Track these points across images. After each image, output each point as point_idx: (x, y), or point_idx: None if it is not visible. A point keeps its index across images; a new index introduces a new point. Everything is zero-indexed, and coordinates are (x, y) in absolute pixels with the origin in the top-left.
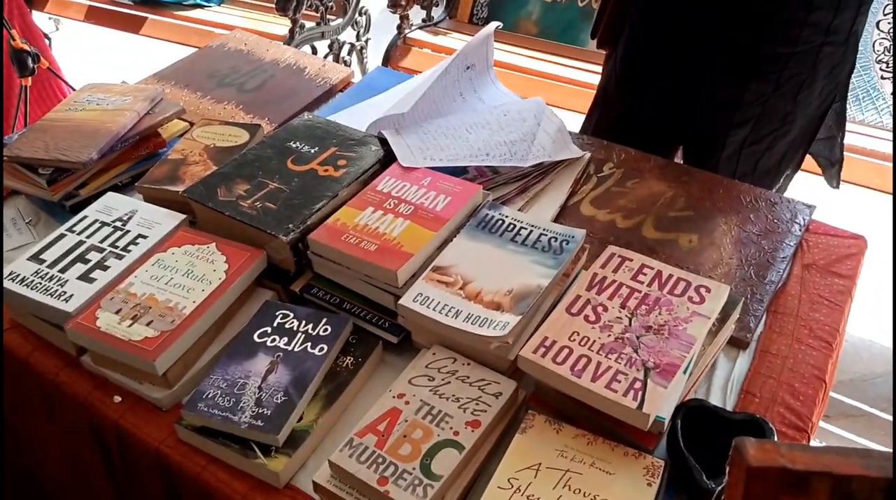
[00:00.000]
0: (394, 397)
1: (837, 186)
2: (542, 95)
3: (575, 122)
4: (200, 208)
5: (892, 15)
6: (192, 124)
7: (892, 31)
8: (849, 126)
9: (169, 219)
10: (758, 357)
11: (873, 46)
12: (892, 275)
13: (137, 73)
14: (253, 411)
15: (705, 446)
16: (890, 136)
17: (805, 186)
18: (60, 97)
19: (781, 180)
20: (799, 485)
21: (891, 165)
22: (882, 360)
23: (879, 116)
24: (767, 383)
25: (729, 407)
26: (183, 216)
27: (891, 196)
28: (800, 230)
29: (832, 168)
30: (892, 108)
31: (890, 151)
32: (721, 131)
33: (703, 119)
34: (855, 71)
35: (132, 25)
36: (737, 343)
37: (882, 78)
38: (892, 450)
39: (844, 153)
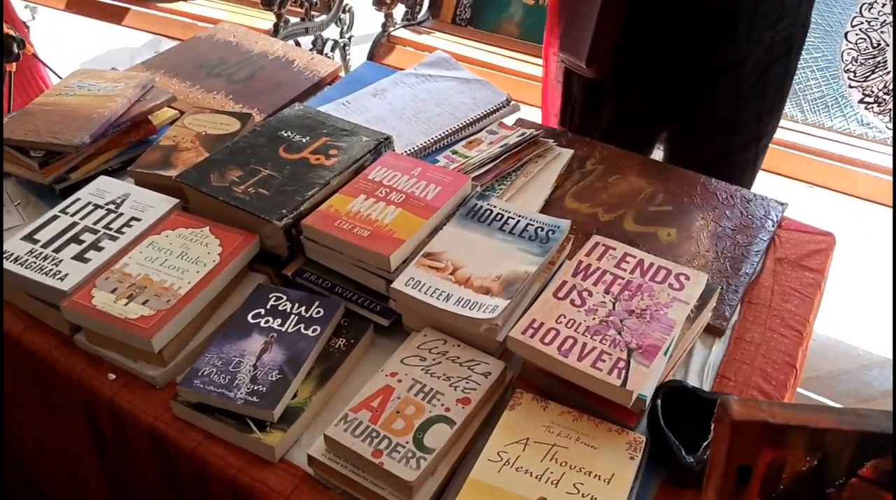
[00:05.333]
0: (386, 375)
1: None
2: (523, 95)
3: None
4: (194, 193)
5: (890, 26)
6: (182, 113)
7: (892, 42)
8: (818, 132)
9: (162, 203)
10: (732, 344)
11: (842, 56)
12: (893, 283)
13: (118, 64)
14: (248, 388)
15: (683, 425)
16: (857, 142)
17: (775, 188)
18: (41, 85)
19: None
20: (778, 438)
21: (859, 170)
22: (847, 357)
23: (847, 123)
24: (742, 369)
25: (705, 389)
26: (176, 201)
27: (859, 200)
28: (773, 226)
29: None
30: (891, 121)
31: (858, 156)
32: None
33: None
34: (824, 79)
35: (114, 16)
36: (713, 331)
37: (850, 86)
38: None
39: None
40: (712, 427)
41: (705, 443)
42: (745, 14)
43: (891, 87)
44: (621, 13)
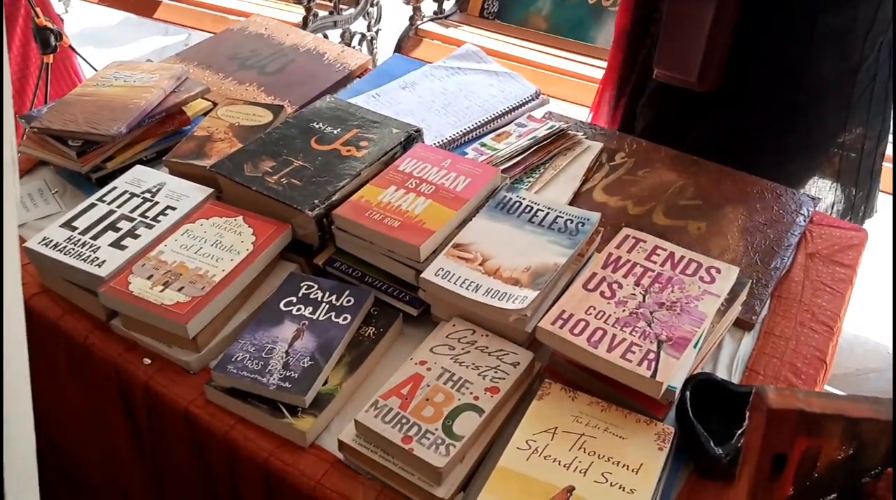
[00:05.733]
0: (416, 363)
1: None
2: (551, 89)
3: (581, 115)
4: (228, 183)
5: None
6: (215, 104)
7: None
8: None
9: (197, 192)
10: (762, 338)
11: None
12: (893, 273)
13: (147, 56)
14: (281, 374)
15: (711, 418)
16: (890, 139)
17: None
18: (73, 77)
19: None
20: (814, 427)
21: (891, 166)
22: (876, 355)
23: None
24: (771, 362)
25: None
26: (210, 190)
27: (891, 196)
28: (804, 221)
29: None
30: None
31: (890, 153)
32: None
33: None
34: None
35: (146, 8)
36: (742, 325)
37: None
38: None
39: None
40: (747, 416)
41: (739, 431)
42: (865, 21)
43: None
44: (732, 24)
